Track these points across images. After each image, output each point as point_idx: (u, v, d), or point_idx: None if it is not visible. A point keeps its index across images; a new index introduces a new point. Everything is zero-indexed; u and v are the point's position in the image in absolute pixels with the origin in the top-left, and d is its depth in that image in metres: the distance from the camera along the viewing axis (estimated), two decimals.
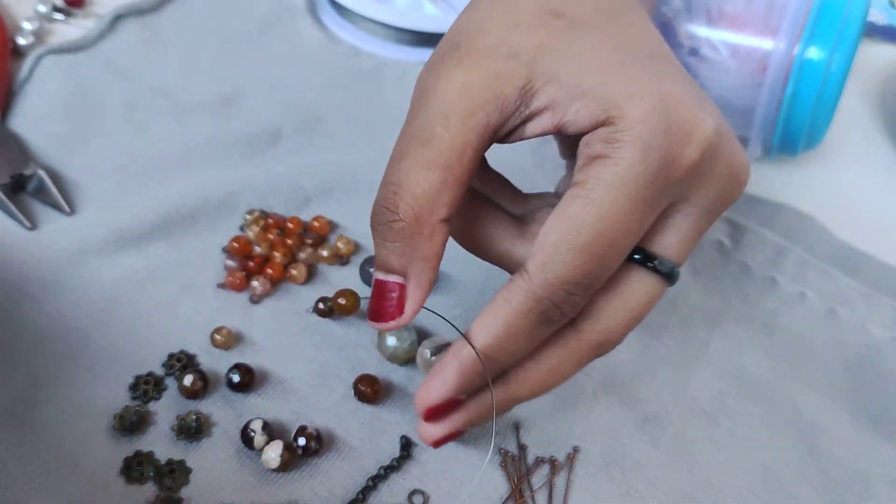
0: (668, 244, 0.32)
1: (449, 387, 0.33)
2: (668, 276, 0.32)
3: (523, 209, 0.34)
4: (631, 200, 0.29)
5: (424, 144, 0.29)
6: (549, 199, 0.34)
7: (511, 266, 0.33)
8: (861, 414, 0.41)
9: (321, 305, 0.42)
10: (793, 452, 0.39)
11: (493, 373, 0.32)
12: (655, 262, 0.32)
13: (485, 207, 0.33)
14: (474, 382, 0.33)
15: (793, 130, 0.46)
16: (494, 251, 0.33)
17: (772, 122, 0.46)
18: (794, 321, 0.43)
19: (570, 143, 0.34)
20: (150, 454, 0.37)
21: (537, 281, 0.30)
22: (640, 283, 0.32)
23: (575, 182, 0.29)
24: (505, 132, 0.30)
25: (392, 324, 0.32)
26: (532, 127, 0.30)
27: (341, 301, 0.41)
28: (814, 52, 0.44)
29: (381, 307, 0.32)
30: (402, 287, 0.31)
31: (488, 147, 0.31)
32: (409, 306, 0.31)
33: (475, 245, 0.33)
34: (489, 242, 0.33)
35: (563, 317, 0.31)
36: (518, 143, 0.31)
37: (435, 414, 0.34)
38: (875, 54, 0.55)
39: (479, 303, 0.42)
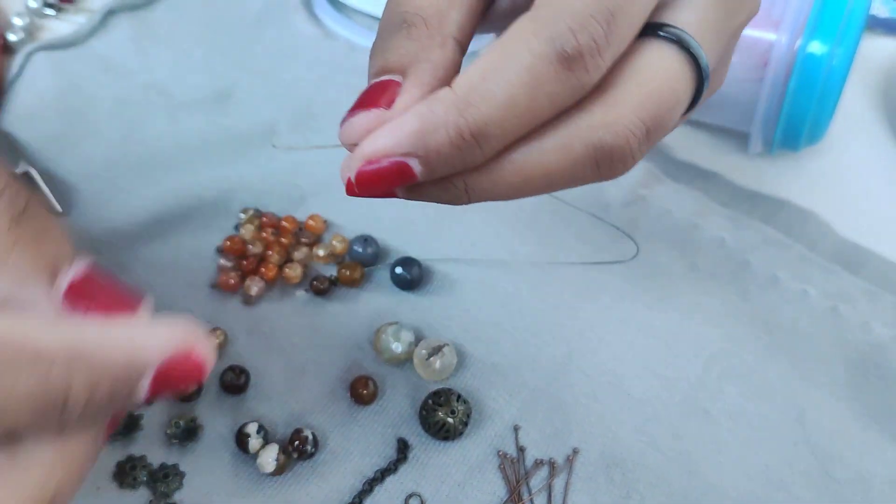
0: (683, 21, 0.27)
1: (402, 134, 0.25)
2: (686, 47, 0.27)
3: None
4: None
5: None
6: None
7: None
8: (864, 413, 0.40)
9: (315, 282, 0.41)
10: (794, 452, 0.39)
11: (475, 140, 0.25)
12: (667, 30, 0.27)
13: None
14: (445, 147, 0.25)
15: (795, 125, 0.45)
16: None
17: (773, 117, 0.45)
18: (795, 319, 0.43)
19: None
20: (142, 458, 0.37)
21: (545, 10, 0.25)
22: (652, 53, 0.26)
23: None
24: None
25: (373, 114, 0.26)
26: None
27: (346, 272, 0.41)
28: (816, 46, 0.43)
29: (367, 100, 0.26)
30: (397, 84, 0.26)
31: None
32: (402, 100, 0.26)
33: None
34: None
35: (583, 58, 0.24)
36: None
37: (371, 179, 0.26)
38: (877, 48, 0.55)
39: (479, 303, 0.42)
